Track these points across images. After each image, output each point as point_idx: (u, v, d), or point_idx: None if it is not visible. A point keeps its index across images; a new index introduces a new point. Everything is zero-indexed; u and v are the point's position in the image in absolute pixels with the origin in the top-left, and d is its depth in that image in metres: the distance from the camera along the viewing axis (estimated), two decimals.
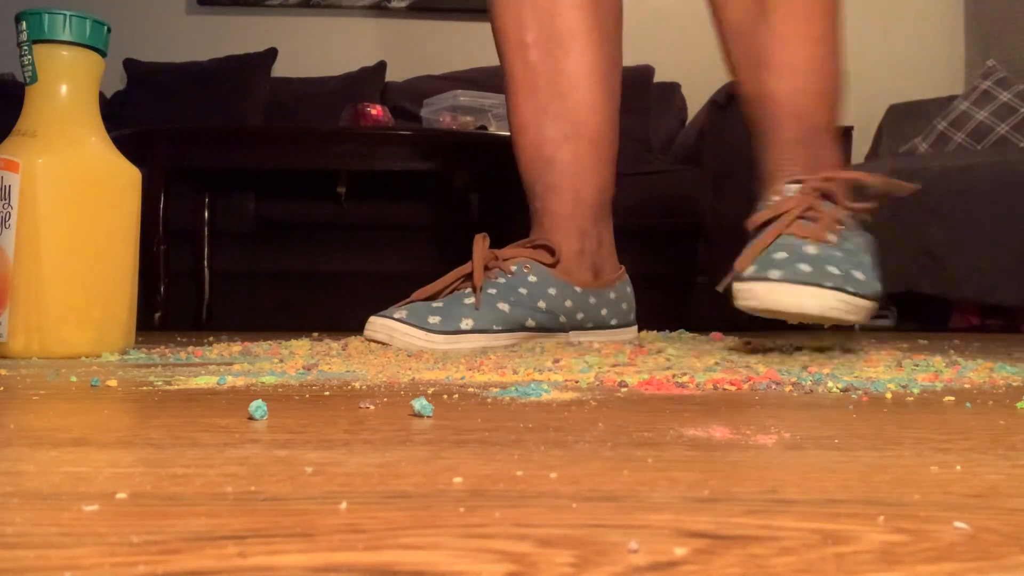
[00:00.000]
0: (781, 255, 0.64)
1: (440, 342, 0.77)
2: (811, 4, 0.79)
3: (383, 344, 0.78)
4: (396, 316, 0.78)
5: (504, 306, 0.82)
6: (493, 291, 0.82)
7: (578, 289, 0.88)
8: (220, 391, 0.44)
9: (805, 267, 0.62)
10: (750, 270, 0.65)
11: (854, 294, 0.63)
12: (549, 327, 0.86)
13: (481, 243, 0.83)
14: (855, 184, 0.73)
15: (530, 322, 0.84)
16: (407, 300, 0.83)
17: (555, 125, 0.88)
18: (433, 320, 0.77)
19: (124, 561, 0.14)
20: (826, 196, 0.70)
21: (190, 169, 1.76)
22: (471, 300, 0.80)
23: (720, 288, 0.71)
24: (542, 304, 0.85)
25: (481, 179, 1.81)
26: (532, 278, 0.84)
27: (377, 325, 0.79)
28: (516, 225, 1.64)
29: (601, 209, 0.91)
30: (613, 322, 0.92)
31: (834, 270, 0.63)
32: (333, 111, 2.32)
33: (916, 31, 2.78)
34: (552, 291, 0.85)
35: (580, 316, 0.89)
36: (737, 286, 0.66)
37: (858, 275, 0.64)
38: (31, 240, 0.70)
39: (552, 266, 0.87)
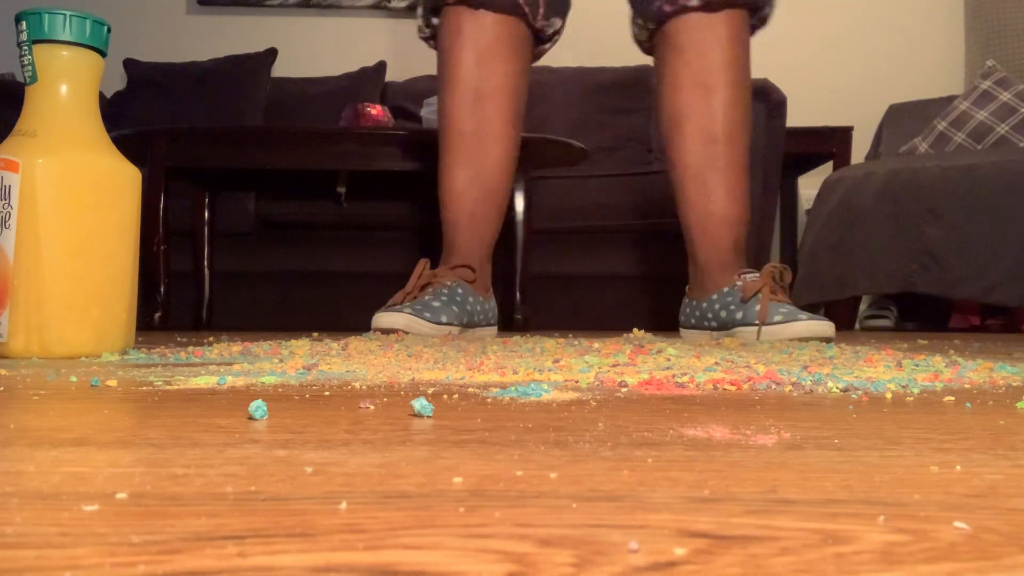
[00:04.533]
0: (784, 309, 1.11)
1: (432, 330, 1.13)
2: (741, 166, 1.24)
3: (393, 332, 1.09)
4: (407, 311, 1.12)
5: (454, 307, 1.18)
6: (443, 298, 1.18)
7: (481, 298, 1.27)
8: (220, 391, 0.44)
9: (803, 315, 1.10)
10: (777, 319, 1.11)
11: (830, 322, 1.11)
12: (470, 324, 1.23)
13: (422, 265, 1.24)
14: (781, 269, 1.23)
15: (464, 320, 1.20)
16: (392, 302, 1.18)
17: (478, 189, 1.27)
18: (427, 315, 1.14)
19: (124, 561, 0.14)
20: (774, 278, 1.18)
21: (190, 169, 1.76)
22: (437, 303, 1.16)
23: (759, 338, 1.12)
24: (468, 308, 1.22)
25: None
26: (460, 290, 1.22)
27: (395, 317, 1.11)
28: (508, 224, 1.63)
29: (492, 247, 1.33)
30: (493, 322, 1.33)
31: (813, 315, 1.10)
32: (333, 111, 2.32)
33: (916, 31, 2.78)
34: (471, 299, 1.23)
35: (479, 317, 1.26)
36: (769, 328, 1.11)
37: (821, 316, 1.12)
38: (31, 240, 0.70)
39: (471, 282, 1.26)
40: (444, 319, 1.15)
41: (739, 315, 1.17)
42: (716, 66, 1.23)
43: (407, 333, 1.10)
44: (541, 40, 1.32)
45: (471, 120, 1.26)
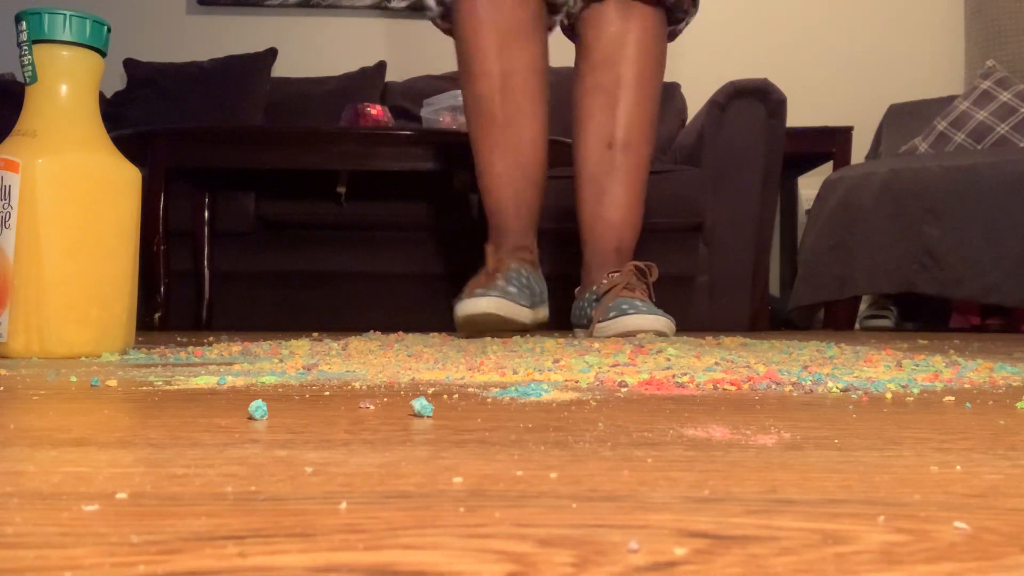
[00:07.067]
0: (625, 305, 1.15)
1: (520, 313, 1.15)
2: (637, 172, 1.29)
3: (490, 316, 1.10)
4: (495, 295, 1.12)
5: (526, 290, 1.20)
6: (515, 283, 1.19)
7: (538, 277, 1.28)
8: (220, 391, 0.44)
9: (642, 307, 1.14)
10: (611, 313, 1.14)
11: (670, 318, 1.13)
12: (535, 304, 1.23)
13: (492, 250, 1.27)
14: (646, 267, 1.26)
15: (533, 301, 1.21)
16: (470, 290, 1.17)
17: (520, 174, 1.27)
18: (511, 299, 1.15)
19: (124, 561, 0.14)
20: (637, 276, 1.23)
21: (190, 169, 1.76)
22: (514, 288, 1.17)
23: (590, 333, 1.17)
24: (533, 288, 1.24)
25: None
26: (524, 272, 1.23)
27: (485, 303, 1.10)
28: None
29: (538, 221, 1.34)
30: (546, 299, 1.33)
31: (654, 309, 1.14)
32: (333, 111, 2.32)
33: (916, 31, 2.78)
34: (532, 280, 1.24)
35: (538, 298, 1.26)
36: (601, 324, 1.15)
37: (662, 312, 1.14)
38: (31, 240, 0.70)
39: (531, 263, 1.28)
40: (524, 302, 1.17)
41: (592, 311, 1.21)
42: (623, 74, 1.26)
43: (500, 316, 1.10)
44: (554, 10, 1.32)
45: (503, 106, 1.25)
